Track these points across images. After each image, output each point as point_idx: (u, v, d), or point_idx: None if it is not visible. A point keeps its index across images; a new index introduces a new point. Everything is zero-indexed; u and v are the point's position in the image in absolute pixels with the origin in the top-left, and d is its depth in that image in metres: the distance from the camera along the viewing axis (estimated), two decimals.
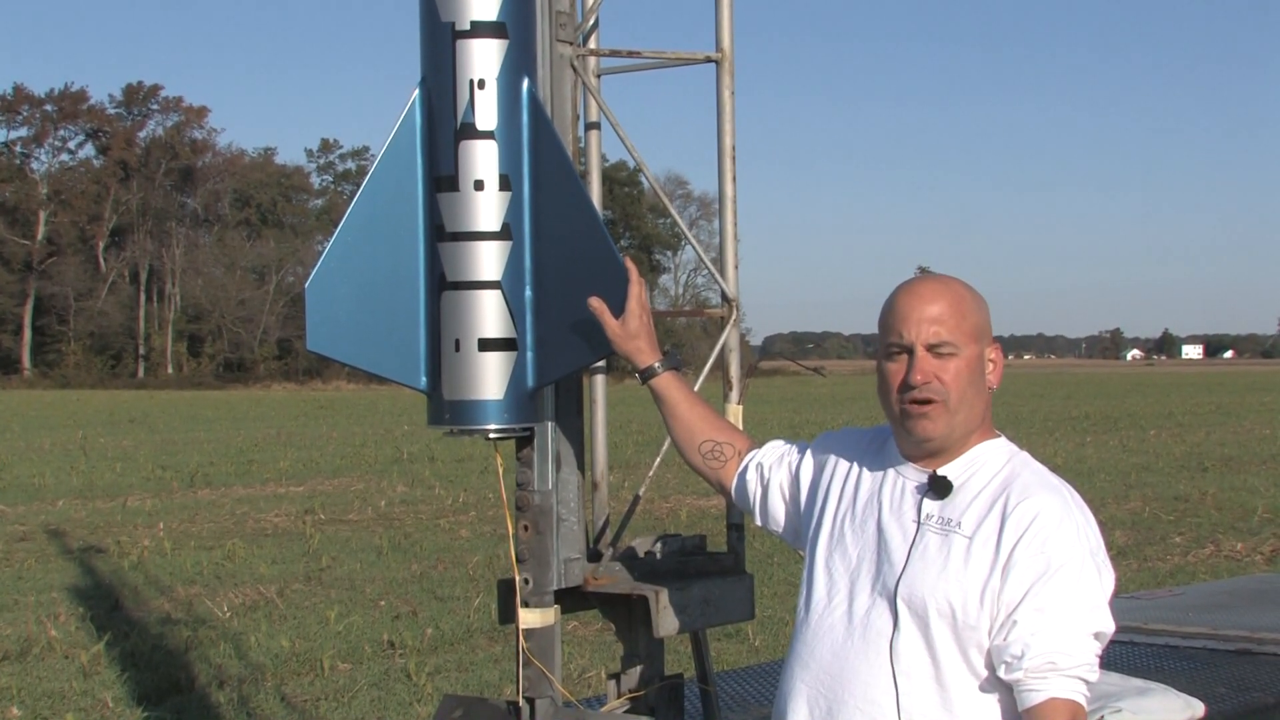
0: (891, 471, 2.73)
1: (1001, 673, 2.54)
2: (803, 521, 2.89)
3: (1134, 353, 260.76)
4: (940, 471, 2.66)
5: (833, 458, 2.86)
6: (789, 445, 3.02)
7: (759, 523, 3.06)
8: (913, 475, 2.70)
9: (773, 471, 2.98)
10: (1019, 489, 2.61)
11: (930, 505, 2.64)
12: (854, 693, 2.62)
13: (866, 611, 2.64)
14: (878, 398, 2.74)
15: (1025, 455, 2.72)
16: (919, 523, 2.64)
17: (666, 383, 3.05)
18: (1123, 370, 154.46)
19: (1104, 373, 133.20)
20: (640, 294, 3.03)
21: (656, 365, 3.04)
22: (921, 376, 2.62)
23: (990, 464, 2.67)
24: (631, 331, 3.02)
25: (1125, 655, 5.11)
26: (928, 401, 2.63)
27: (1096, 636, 2.54)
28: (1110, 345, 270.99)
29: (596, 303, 3.03)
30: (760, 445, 3.06)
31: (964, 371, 2.64)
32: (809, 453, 2.95)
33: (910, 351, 2.64)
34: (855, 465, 2.80)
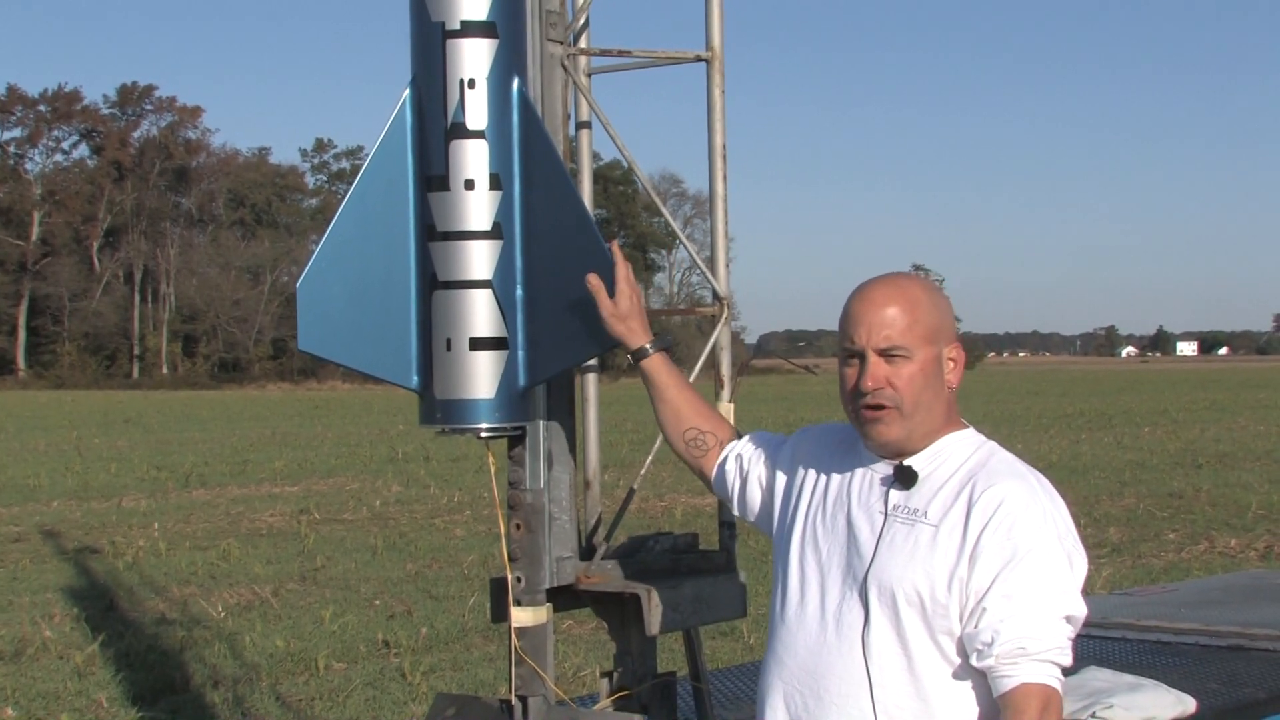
0: (860, 466, 2.75)
1: (973, 660, 2.56)
2: (777, 516, 2.91)
3: (1129, 350, 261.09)
4: (906, 463, 2.68)
5: (808, 454, 2.88)
6: (769, 438, 3.04)
7: (736, 512, 3.10)
8: (880, 468, 2.72)
9: (751, 464, 3.01)
10: (985, 477, 2.63)
11: (896, 496, 2.66)
12: (829, 688, 2.64)
13: (838, 606, 2.66)
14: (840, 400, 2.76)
15: (993, 445, 2.73)
16: (886, 514, 2.66)
17: (657, 365, 3.07)
18: (1117, 367, 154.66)
19: (1099, 370, 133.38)
20: (628, 274, 3.05)
21: (648, 346, 3.06)
22: (873, 383, 2.63)
23: (956, 455, 2.68)
24: (623, 311, 3.03)
25: (1117, 651, 5.11)
26: (880, 407, 2.64)
27: (1068, 620, 2.55)
28: (1105, 342, 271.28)
29: (594, 280, 3.04)
30: (743, 436, 3.08)
31: (917, 376, 2.64)
32: (786, 447, 2.97)
33: (862, 357, 2.65)
34: (828, 461, 2.82)
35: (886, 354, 2.64)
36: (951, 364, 2.71)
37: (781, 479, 2.93)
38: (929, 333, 2.66)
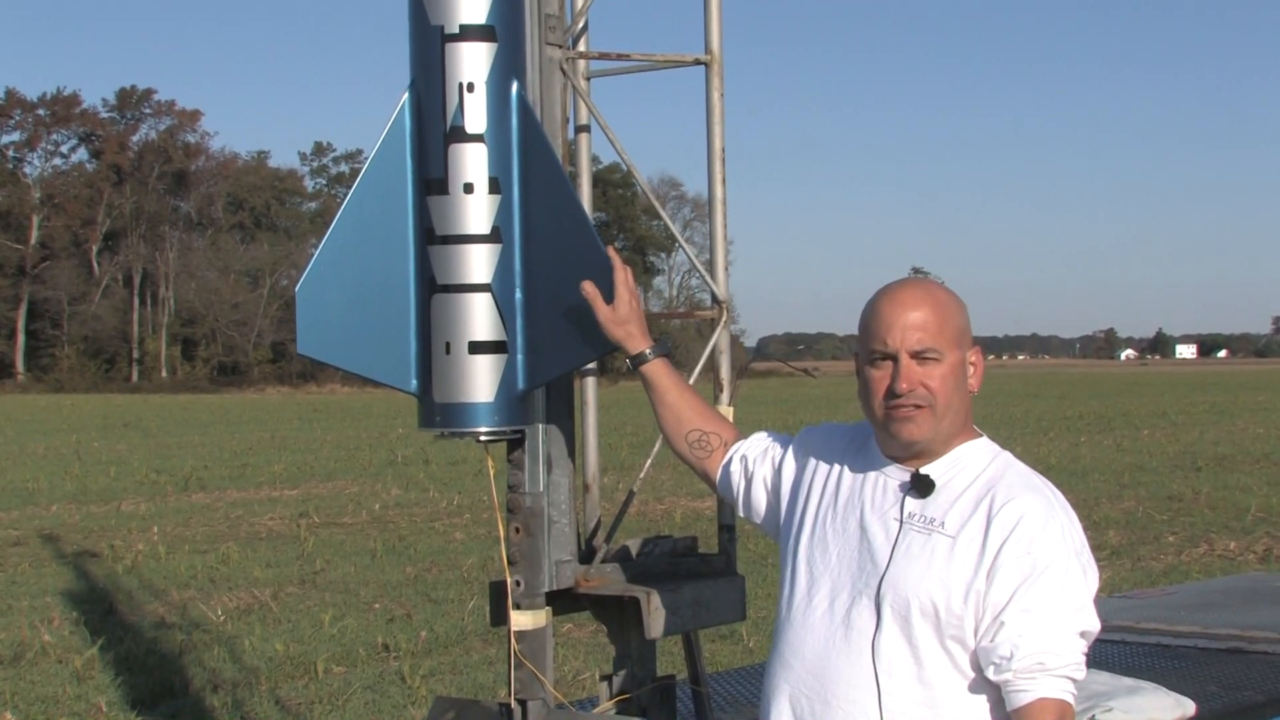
0: (874, 470, 2.74)
1: (990, 674, 2.56)
2: (783, 517, 2.90)
3: (1128, 352, 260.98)
4: (923, 470, 2.67)
5: (815, 454, 2.87)
6: (773, 438, 3.04)
7: (741, 514, 3.09)
8: (895, 474, 2.71)
9: (756, 465, 3.00)
10: (1004, 490, 2.62)
11: (912, 504, 2.66)
12: (836, 692, 2.64)
13: (848, 610, 2.65)
14: (859, 402, 2.76)
15: (1008, 455, 2.73)
16: (901, 521, 2.65)
17: (657, 369, 3.07)
18: (1117, 370, 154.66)
19: (1098, 372, 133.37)
20: (626, 279, 3.05)
21: (648, 351, 3.06)
22: (907, 384, 2.64)
23: (973, 464, 2.68)
24: (622, 316, 3.04)
25: (1116, 654, 5.11)
26: (914, 406, 2.64)
27: (1083, 635, 2.57)
28: (1104, 345, 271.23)
29: (590, 288, 3.04)
30: (746, 436, 3.08)
31: (949, 377, 2.66)
32: (792, 447, 2.96)
33: (894, 359, 2.65)
34: (837, 463, 2.81)
35: (919, 356, 2.64)
36: (973, 367, 2.73)
37: (788, 480, 2.92)
38: (957, 335, 2.68)
